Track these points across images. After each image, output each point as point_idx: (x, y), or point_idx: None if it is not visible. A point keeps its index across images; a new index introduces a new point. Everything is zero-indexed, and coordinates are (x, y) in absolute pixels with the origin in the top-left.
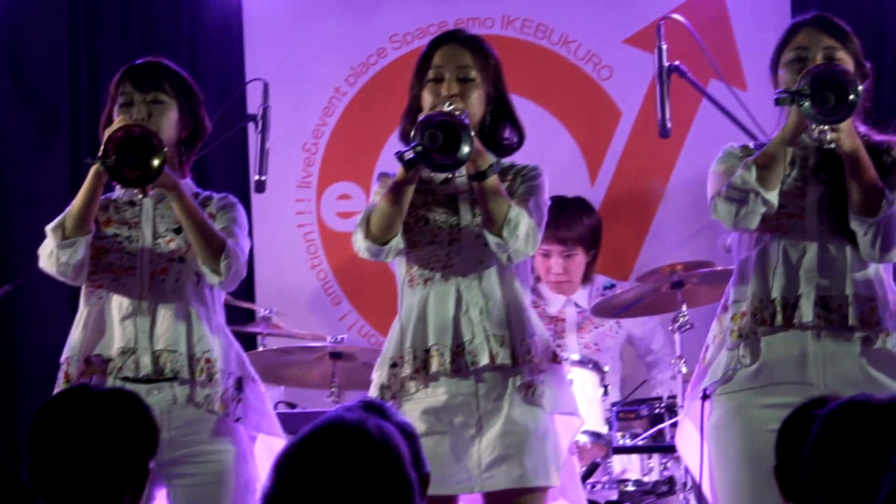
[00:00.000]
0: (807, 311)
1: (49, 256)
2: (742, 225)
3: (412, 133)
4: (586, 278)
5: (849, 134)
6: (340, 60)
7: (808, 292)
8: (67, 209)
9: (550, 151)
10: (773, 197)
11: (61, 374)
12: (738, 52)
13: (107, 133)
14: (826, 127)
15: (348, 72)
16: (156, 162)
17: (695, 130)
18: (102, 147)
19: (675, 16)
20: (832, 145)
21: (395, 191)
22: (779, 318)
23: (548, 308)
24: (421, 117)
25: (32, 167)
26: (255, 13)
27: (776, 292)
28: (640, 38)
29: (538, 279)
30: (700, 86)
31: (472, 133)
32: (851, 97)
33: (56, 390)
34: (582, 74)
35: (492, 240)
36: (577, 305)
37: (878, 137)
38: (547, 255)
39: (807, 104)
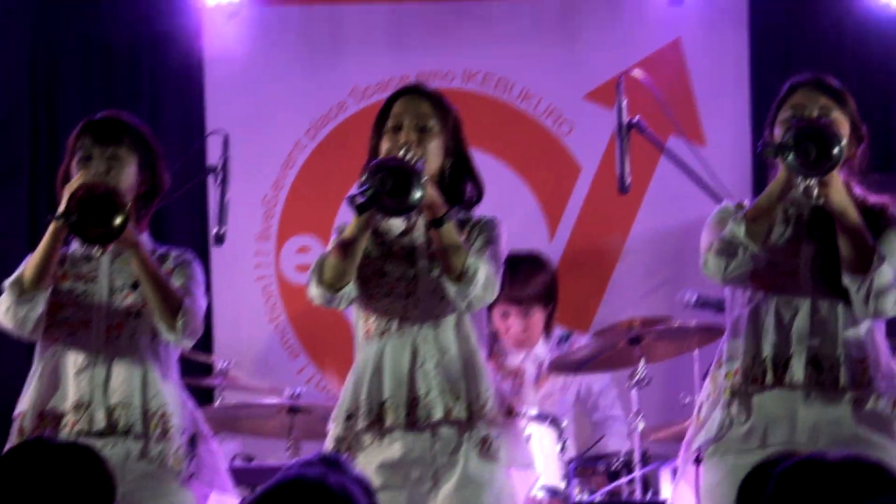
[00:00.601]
0: (798, 371)
1: (6, 312)
2: (732, 279)
3: (364, 178)
4: (547, 331)
5: (837, 189)
6: (301, 113)
7: (800, 352)
8: (25, 264)
9: (510, 205)
10: (761, 251)
11: (15, 428)
12: (697, 109)
13: (68, 189)
14: (813, 181)
15: (308, 125)
16: (118, 220)
17: (654, 186)
18: (65, 204)
19: (635, 72)
20: (821, 200)
21: (349, 239)
22: (769, 378)
23: (507, 361)
24: (373, 162)
25: None
26: (216, 65)
27: (767, 351)
28: (600, 94)
29: (496, 335)
30: (659, 141)
31: (424, 179)
32: (835, 151)
33: (9, 444)
34: (542, 129)
35: (451, 288)
36: (536, 359)
37: (873, 199)
38: (505, 315)
39: (790, 157)
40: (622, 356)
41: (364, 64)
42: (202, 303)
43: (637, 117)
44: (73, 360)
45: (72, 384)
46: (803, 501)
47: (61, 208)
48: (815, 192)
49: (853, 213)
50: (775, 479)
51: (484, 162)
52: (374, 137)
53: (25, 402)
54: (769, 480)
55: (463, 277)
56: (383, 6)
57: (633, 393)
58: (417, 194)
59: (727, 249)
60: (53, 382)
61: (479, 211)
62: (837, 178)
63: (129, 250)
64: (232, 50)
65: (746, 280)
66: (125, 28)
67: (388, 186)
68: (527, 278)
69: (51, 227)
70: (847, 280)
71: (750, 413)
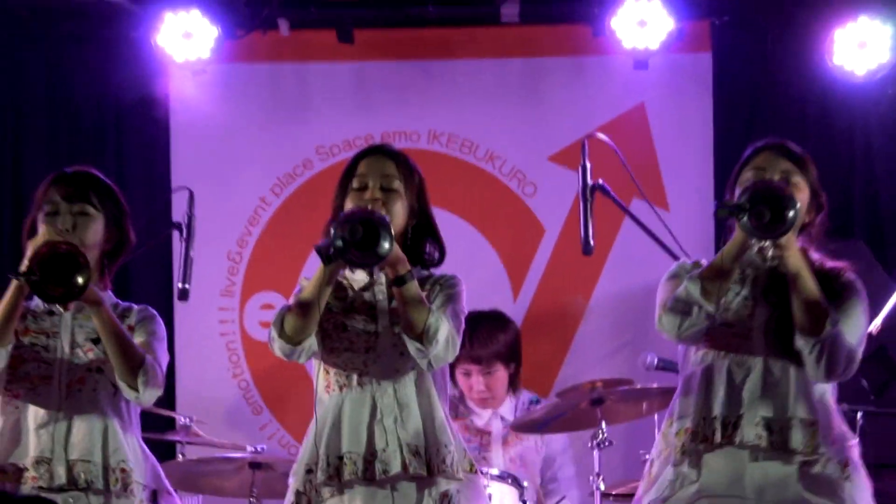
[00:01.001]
0: (748, 432)
1: None
2: (685, 337)
3: (332, 228)
4: (512, 389)
5: (792, 252)
6: (266, 171)
7: (751, 413)
8: None
9: (474, 266)
10: (716, 310)
11: None
12: (661, 173)
13: (31, 247)
14: (767, 243)
15: (274, 182)
16: (80, 280)
17: (617, 248)
18: (27, 262)
19: (600, 135)
20: (775, 262)
21: (312, 290)
22: (718, 437)
23: (475, 420)
24: (342, 213)
25: None
26: (183, 122)
27: (718, 410)
28: (565, 156)
29: (462, 394)
30: (623, 204)
31: (392, 231)
32: (789, 214)
33: None
34: (506, 190)
35: (412, 346)
36: (502, 419)
37: (830, 264)
38: (468, 374)
39: (745, 218)
40: (584, 417)
41: (329, 123)
42: (164, 360)
43: (601, 180)
44: (34, 415)
45: (32, 439)
46: None
47: (23, 266)
48: (770, 253)
49: (807, 276)
50: None
51: (449, 222)
52: (338, 196)
53: None
54: None
55: (424, 336)
56: (349, 65)
57: (595, 454)
58: (386, 246)
59: (682, 307)
60: (14, 437)
61: (443, 271)
62: (793, 240)
63: (92, 308)
64: (198, 107)
65: (700, 339)
66: (92, 83)
67: (357, 237)
68: (488, 337)
69: (12, 285)
70: (800, 342)
71: (700, 472)
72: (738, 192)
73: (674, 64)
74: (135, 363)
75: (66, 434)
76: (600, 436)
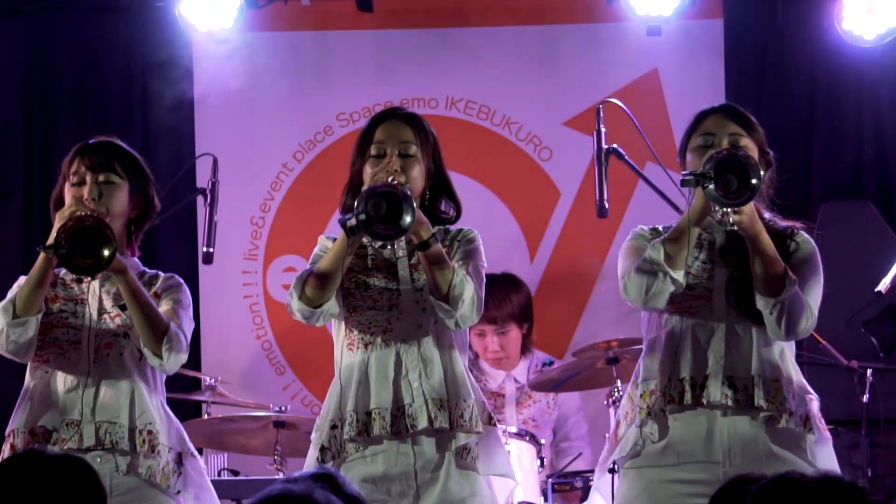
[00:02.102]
0: (714, 391)
1: None
2: (651, 304)
3: (356, 202)
4: (525, 349)
5: (751, 217)
6: (288, 137)
7: (716, 372)
8: (17, 289)
9: (492, 229)
10: (679, 276)
11: (7, 446)
12: (674, 137)
13: (58, 220)
14: (729, 209)
15: (296, 148)
16: (106, 252)
17: (631, 210)
18: (54, 236)
19: (614, 100)
20: (735, 227)
21: (333, 258)
22: (687, 397)
23: (488, 383)
24: (365, 187)
25: None
26: (207, 90)
27: (685, 372)
28: (580, 121)
29: (477, 356)
30: (637, 168)
31: (414, 204)
32: (753, 181)
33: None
34: (523, 155)
35: (439, 307)
36: (516, 381)
37: (782, 223)
38: (482, 335)
39: (710, 187)
40: (599, 376)
41: (350, 90)
42: (188, 328)
43: (615, 144)
44: (63, 380)
45: (62, 403)
46: None
47: (51, 240)
48: (731, 219)
49: (766, 238)
50: (752, 496)
51: (467, 186)
52: (356, 162)
53: (17, 420)
54: (746, 497)
55: (450, 297)
56: (369, 33)
57: (611, 411)
58: (408, 219)
59: (645, 275)
60: (44, 401)
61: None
62: (751, 205)
63: (118, 277)
64: (221, 75)
65: (665, 304)
66: (118, 53)
67: (381, 212)
68: (502, 297)
69: (41, 257)
70: (760, 303)
71: (665, 432)
72: (689, 157)
73: (686, 30)
74: (159, 331)
75: (94, 397)
76: (615, 394)
